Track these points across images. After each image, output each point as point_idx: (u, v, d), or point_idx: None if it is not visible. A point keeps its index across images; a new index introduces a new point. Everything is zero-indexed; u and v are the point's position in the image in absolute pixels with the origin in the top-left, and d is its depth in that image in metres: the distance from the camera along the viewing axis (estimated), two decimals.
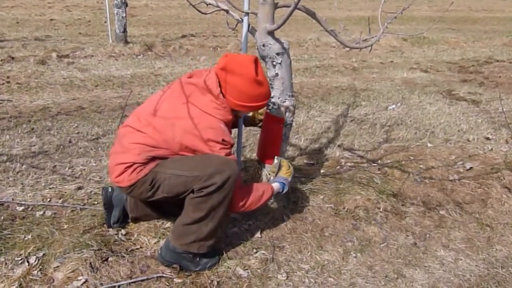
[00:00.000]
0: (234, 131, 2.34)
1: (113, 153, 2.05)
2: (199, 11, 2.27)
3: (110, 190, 2.29)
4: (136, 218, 2.32)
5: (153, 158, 1.97)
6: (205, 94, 1.96)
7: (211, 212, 1.96)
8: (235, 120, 2.30)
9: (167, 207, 2.27)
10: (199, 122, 1.91)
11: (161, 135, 1.94)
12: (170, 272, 2.03)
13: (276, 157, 2.31)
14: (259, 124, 2.52)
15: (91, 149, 3.34)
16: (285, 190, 2.25)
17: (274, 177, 2.26)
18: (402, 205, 2.76)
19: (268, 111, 2.37)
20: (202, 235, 2.00)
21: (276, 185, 2.21)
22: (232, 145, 2.02)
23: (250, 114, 2.50)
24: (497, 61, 7.96)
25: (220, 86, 1.98)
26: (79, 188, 2.72)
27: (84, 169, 2.98)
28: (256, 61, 1.98)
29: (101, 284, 1.93)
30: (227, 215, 2.28)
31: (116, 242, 2.20)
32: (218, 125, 1.95)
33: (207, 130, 1.92)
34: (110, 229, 2.28)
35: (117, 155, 2.01)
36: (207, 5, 2.41)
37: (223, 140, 1.95)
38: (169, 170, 1.96)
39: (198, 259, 2.07)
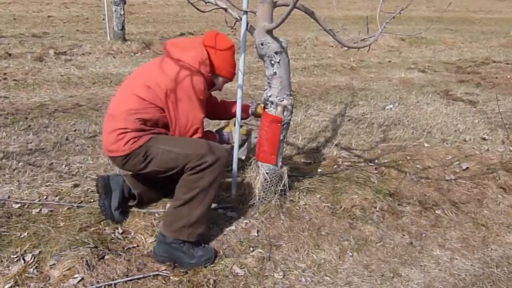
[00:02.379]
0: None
1: (104, 123, 2.19)
2: (198, 9, 2.26)
3: (105, 176, 2.34)
4: (140, 196, 2.37)
5: (144, 126, 2.09)
6: (189, 51, 2.15)
7: (201, 194, 2.03)
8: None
9: (165, 185, 2.38)
10: (183, 72, 2.08)
11: (147, 88, 2.07)
12: (166, 270, 2.04)
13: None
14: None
15: (88, 146, 3.34)
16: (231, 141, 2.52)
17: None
18: (399, 204, 2.76)
19: (266, 109, 2.37)
20: (191, 220, 2.04)
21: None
22: (203, 101, 2.18)
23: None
24: (494, 61, 7.99)
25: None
26: (76, 185, 2.71)
27: (81, 167, 2.98)
28: None
29: (98, 282, 1.93)
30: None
31: (113, 240, 2.19)
32: (200, 79, 2.13)
33: (191, 78, 2.09)
34: (107, 227, 2.27)
35: (107, 123, 2.15)
36: (205, 3, 2.40)
37: (199, 89, 2.11)
38: (161, 145, 2.09)
39: (191, 250, 2.08)
